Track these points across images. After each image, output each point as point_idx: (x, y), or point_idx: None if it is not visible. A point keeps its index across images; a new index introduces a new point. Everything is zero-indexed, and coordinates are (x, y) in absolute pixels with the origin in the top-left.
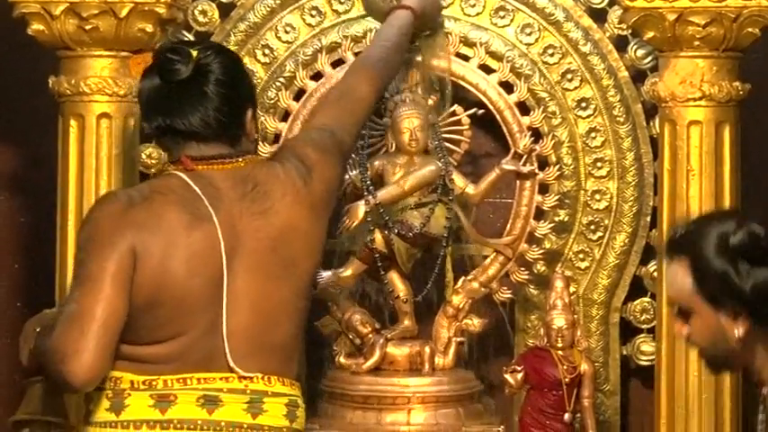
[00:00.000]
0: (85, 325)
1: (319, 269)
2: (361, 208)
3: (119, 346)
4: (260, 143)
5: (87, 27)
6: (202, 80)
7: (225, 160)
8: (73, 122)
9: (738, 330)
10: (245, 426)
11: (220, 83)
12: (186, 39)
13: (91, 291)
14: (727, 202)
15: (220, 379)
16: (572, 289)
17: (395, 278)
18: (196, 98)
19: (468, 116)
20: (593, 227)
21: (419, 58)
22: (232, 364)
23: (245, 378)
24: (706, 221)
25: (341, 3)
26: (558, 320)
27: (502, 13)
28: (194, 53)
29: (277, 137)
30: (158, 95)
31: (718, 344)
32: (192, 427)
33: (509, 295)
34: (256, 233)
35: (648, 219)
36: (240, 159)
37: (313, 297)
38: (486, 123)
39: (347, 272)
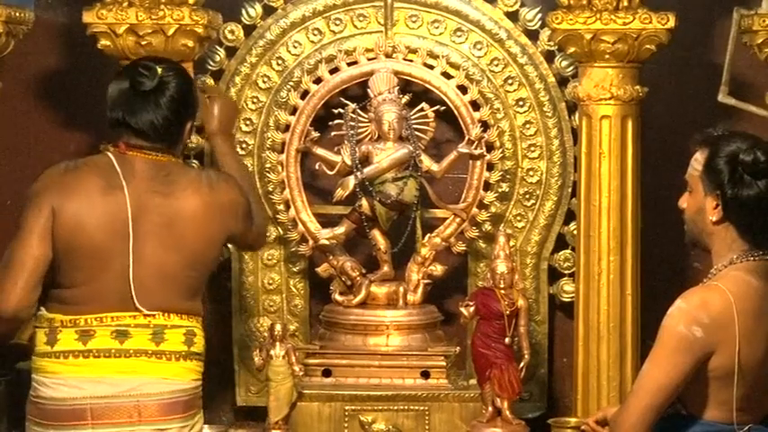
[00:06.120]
0: (12, 270)
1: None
2: (351, 181)
3: (51, 290)
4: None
5: (143, 43)
6: (160, 94)
7: (149, 152)
8: None
9: (714, 216)
10: (150, 351)
11: (172, 98)
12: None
13: (20, 241)
14: (629, 179)
15: (129, 317)
16: (511, 243)
17: (377, 234)
18: (151, 106)
19: (433, 111)
20: (527, 196)
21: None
22: (138, 304)
23: (148, 315)
24: (732, 135)
25: (336, 25)
26: (501, 267)
27: (459, 33)
28: (159, 70)
29: (287, 127)
30: (124, 96)
31: (698, 221)
32: (107, 354)
33: (463, 248)
34: (157, 207)
35: (570, 190)
36: (162, 155)
37: (315, 248)
38: (447, 117)
39: (340, 229)
